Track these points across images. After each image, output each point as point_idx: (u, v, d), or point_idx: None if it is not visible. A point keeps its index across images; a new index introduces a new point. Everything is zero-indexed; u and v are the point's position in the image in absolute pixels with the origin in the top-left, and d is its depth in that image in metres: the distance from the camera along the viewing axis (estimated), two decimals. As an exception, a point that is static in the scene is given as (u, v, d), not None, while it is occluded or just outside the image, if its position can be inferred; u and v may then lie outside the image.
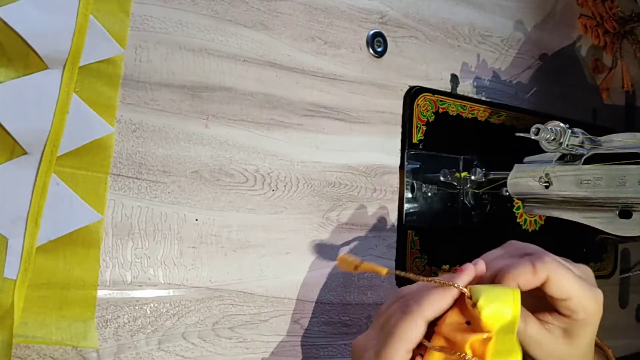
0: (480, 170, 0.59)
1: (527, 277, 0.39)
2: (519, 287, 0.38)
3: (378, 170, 0.55)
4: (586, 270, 0.42)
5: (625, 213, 0.48)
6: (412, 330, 0.37)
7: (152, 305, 0.43)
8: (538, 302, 0.41)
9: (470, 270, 0.39)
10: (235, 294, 0.46)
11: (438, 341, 0.38)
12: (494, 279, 0.40)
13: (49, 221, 0.38)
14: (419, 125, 0.57)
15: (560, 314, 0.41)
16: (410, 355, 0.37)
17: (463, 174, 0.60)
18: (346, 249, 0.53)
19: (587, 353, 0.43)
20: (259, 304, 0.47)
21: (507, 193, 0.55)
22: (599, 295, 0.40)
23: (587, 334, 0.41)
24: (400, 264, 0.56)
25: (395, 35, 0.57)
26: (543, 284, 0.39)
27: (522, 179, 0.53)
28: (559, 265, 0.39)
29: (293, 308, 0.49)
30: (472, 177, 0.60)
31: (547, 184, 0.51)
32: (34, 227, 0.38)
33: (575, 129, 0.49)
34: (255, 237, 0.48)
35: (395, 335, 0.37)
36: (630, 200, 0.47)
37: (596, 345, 0.50)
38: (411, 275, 0.40)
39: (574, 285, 0.39)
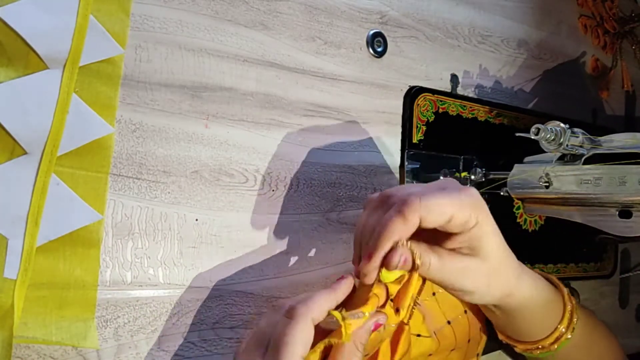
0: (480, 170, 0.59)
1: (403, 230, 0.38)
2: (401, 241, 0.38)
3: (378, 170, 0.55)
4: (449, 181, 0.42)
5: (625, 213, 0.48)
6: (305, 333, 0.36)
7: (152, 305, 0.43)
8: (432, 236, 0.41)
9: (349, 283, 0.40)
10: (235, 294, 0.46)
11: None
12: (375, 243, 0.39)
13: (49, 221, 0.38)
14: (419, 125, 0.57)
15: (453, 236, 0.40)
16: None
17: (463, 174, 0.60)
18: (346, 248, 0.53)
19: (505, 256, 0.43)
20: (259, 304, 0.47)
21: (507, 193, 0.55)
22: (472, 194, 0.40)
23: (489, 238, 0.41)
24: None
25: (395, 35, 0.57)
26: (422, 220, 0.38)
27: (522, 179, 0.53)
28: (425, 198, 0.38)
29: (293, 308, 0.49)
30: (472, 177, 0.60)
31: (547, 184, 0.51)
32: (34, 227, 0.38)
33: (575, 129, 0.49)
34: (255, 237, 0.48)
35: (288, 342, 0.35)
36: (630, 200, 0.47)
37: (549, 280, 0.51)
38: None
39: (448, 205, 0.38)
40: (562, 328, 0.49)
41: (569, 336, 0.49)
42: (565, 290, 0.50)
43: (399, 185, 0.43)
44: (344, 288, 0.40)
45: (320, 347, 0.37)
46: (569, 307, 0.49)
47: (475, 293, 0.42)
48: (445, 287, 0.42)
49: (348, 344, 0.37)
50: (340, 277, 0.41)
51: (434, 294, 0.52)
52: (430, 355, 0.51)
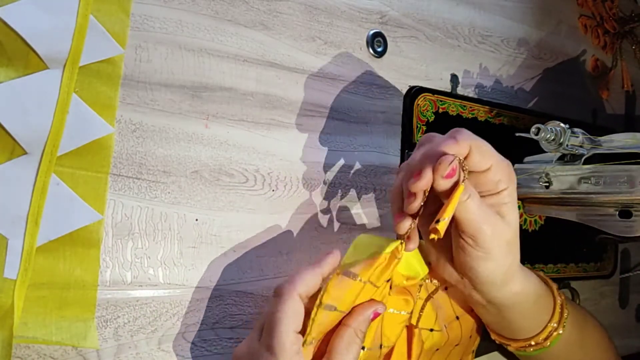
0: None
1: (453, 147, 0.39)
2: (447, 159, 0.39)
3: (378, 170, 0.55)
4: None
5: (625, 213, 0.48)
6: (294, 308, 0.37)
7: (152, 305, 0.43)
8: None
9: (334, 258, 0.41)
10: (235, 294, 0.46)
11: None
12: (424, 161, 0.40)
13: (49, 221, 0.38)
14: (419, 125, 0.57)
15: (486, 195, 0.42)
16: (299, 336, 0.37)
17: (463, 174, 0.60)
18: (346, 248, 0.53)
19: (516, 236, 0.43)
20: (259, 304, 0.47)
21: (507, 193, 0.54)
22: (510, 163, 0.43)
23: (513, 207, 0.43)
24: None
25: (395, 35, 0.57)
26: (467, 156, 0.40)
27: (522, 179, 0.53)
28: (477, 137, 0.41)
29: (293, 308, 0.49)
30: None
31: (547, 184, 0.51)
32: (34, 227, 0.38)
33: (575, 129, 0.49)
34: (255, 237, 0.48)
35: (279, 319, 0.37)
36: (630, 200, 0.47)
37: (542, 279, 0.51)
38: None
39: (493, 154, 0.41)
40: (553, 323, 0.49)
41: (561, 331, 0.49)
42: (554, 286, 0.50)
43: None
44: (330, 262, 0.41)
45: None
46: (559, 302, 0.49)
47: (492, 255, 0.42)
48: (472, 232, 0.41)
49: (348, 332, 0.38)
50: (327, 252, 0.41)
51: (446, 288, 0.52)
52: (437, 350, 0.52)
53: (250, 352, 0.39)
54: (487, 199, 0.42)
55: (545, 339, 0.49)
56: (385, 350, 0.46)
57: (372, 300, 0.41)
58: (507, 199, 0.42)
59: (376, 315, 0.40)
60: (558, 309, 0.49)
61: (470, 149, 0.40)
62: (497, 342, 0.53)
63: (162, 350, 0.43)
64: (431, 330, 0.51)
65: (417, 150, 0.43)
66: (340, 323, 0.40)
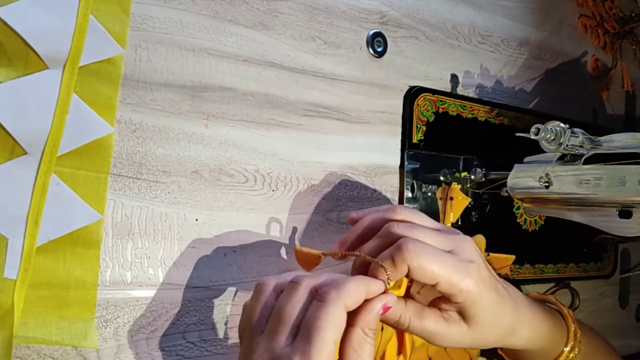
0: (480, 170, 0.59)
1: (390, 274, 0.37)
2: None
3: (378, 170, 0.55)
4: (459, 242, 0.40)
5: (625, 213, 0.48)
6: (339, 319, 0.34)
7: (152, 305, 0.43)
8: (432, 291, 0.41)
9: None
10: (235, 294, 0.46)
11: None
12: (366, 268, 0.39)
13: (49, 221, 0.38)
14: (419, 125, 0.57)
15: (445, 298, 0.39)
16: (336, 348, 0.34)
17: (463, 174, 0.60)
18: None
19: (497, 320, 0.41)
20: (259, 304, 0.47)
21: (507, 193, 0.55)
22: (470, 271, 0.38)
23: (482, 308, 0.39)
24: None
25: (395, 35, 0.57)
26: (409, 273, 0.37)
27: (522, 179, 0.53)
28: (419, 251, 0.37)
29: (293, 308, 0.49)
30: (472, 177, 0.60)
31: (547, 184, 0.51)
32: (34, 227, 0.38)
33: (575, 129, 0.49)
34: (255, 237, 0.48)
35: (322, 326, 0.33)
36: (630, 200, 0.47)
37: (547, 301, 0.51)
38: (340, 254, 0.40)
39: (436, 272, 0.37)
40: (566, 350, 0.49)
41: (573, 356, 0.49)
42: (567, 313, 0.50)
43: (405, 213, 0.41)
44: (378, 286, 0.37)
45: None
46: (572, 329, 0.49)
47: (465, 346, 0.42)
48: (432, 344, 0.42)
49: (356, 332, 0.35)
50: (379, 277, 0.37)
51: None
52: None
53: (276, 355, 0.34)
54: (448, 303, 0.40)
55: None
56: (387, 333, 0.45)
57: (381, 294, 0.37)
58: (465, 308, 0.39)
59: (386, 309, 0.37)
60: (572, 336, 0.49)
61: (409, 269, 0.37)
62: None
63: (162, 350, 0.43)
64: None
65: (373, 230, 0.41)
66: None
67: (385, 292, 0.37)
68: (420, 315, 0.40)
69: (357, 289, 0.35)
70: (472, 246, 0.40)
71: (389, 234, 0.39)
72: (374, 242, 0.40)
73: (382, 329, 0.46)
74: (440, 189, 0.56)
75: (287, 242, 0.49)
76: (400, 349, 0.50)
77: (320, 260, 0.43)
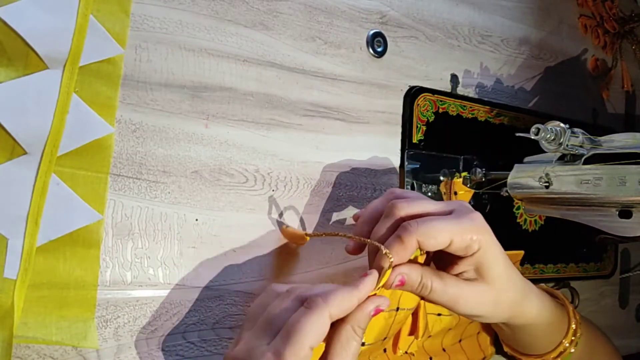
0: (480, 170, 0.59)
1: (402, 253, 0.39)
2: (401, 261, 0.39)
3: (378, 170, 0.55)
4: (458, 204, 0.42)
5: (625, 213, 0.48)
6: (320, 326, 0.35)
7: (152, 305, 0.43)
8: (442, 258, 0.43)
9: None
10: (235, 294, 0.46)
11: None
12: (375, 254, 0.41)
13: (49, 221, 0.38)
14: (419, 125, 0.57)
15: (460, 259, 0.42)
16: (311, 352, 0.34)
17: (463, 174, 0.60)
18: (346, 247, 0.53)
19: (512, 278, 0.43)
20: (259, 304, 0.47)
21: (507, 193, 0.55)
22: (474, 218, 0.41)
23: (494, 261, 0.42)
24: (400, 264, 0.56)
25: (395, 35, 0.57)
26: (420, 245, 0.39)
27: (522, 179, 0.53)
28: (422, 224, 0.39)
29: (293, 308, 0.49)
30: (472, 177, 0.60)
31: (547, 184, 0.51)
32: (34, 227, 0.38)
33: (575, 129, 0.49)
34: (255, 237, 0.48)
35: (301, 330, 0.34)
36: (630, 200, 0.47)
37: (546, 291, 0.52)
38: (329, 233, 0.43)
39: (446, 231, 0.39)
40: (566, 343, 0.50)
41: (572, 350, 0.50)
42: (571, 308, 0.52)
43: (410, 197, 0.43)
44: (368, 286, 0.37)
45: None
46: (573, 323, 0.51)
47: (482, 317, 0.44)
48: (450, 310, 0.43)
49: (345, 328, 0.36)
50: (364, 274, 0.38)
51: None
52: (449, 329, 0.53)
53: (251, 353, 0.35)
54: (464, 261, 0.42)
55: (557, 356, 0.50)
56: (402, 313, 0.46)
57: (374, 295, 0.38)
58: (482, 258, 0.41)
59: (378, 311, 0.38)
60: (572, 330, 0.50)
61: (419, 242, 0.39)
62: (509, 354, 0.55)
63: (162, 350, 0.43)
64: (439, 315, 0.51)
65: (378, 214, 0.43)
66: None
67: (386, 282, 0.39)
68: (441, 279, 0.42)
69: (345, 299, 0.36)
70: (468, 205, 0.43)
71: (392, 212, 0.42)
72: (382, 223, 0.42)
73: (398, 309, 0.46)
74: (442, 183, 0.57)
75: (287, 242, 0.49)
76: (413, 331, 0.51)
77: (304, 240, 0.46)
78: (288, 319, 0.35)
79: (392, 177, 0.56)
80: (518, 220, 0.66)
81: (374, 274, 0.38)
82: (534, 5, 0.71)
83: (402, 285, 0.40)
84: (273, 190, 0.49)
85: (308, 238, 0.46)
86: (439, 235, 0.39)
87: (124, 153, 0.42)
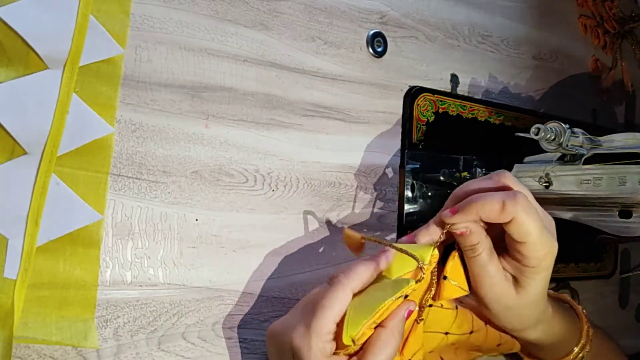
0: (480, 170, 0.59)
1: (493, 212, 0.40)
2: (481, 219, 0.41)
3: (378, 170, 0.55)
4: (551, 222, 0.44)
5: (625, 213, 0.48)
6: (340, 299, 0.38)
7: (152, 305, 0.43)
8: (497, 243, 0.43)
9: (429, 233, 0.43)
10: (235, 294, 0.46)
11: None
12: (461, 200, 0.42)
13: (49, 221, 0.38)
14: (419, 125, 0.57)
15: (513, 258, 0.42)
16: (335, 328, 0.38)
17: (463, 174, 0.60)
18: (346, 248, 0.52)
19: (536, 303, 0.44)
20: (259, 304, 0.47)
21: (507, 193, 0.54)
22: (554, 246, 0.42)
23: (536, 283, 0.43)
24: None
25: (395, 35, 0.57)
26: (506, 222, 0.40)
27: (522, 179, 0.53)
28: (527, 208, 0.40)
29: (293, 308, 0.49)
30: (472, 177, 0.60)
31: (547, 184, 0.51)
32: (34, 227, 0.38)
33: (575, 129, 0.49)
34: (255, 237, 0.48)
35: (325, 305, 0.38)
36: (630, 200, 0.47)
37: (565, 301, 0.53)
38: (380, 241, 0.42)
39: (535, 231, 0.40)
40: (576, 350, 0.51)
41: (582, 355, 0.51)
42: (585, 324, 0.52)
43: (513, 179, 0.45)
44: (385, 260, 0.41)
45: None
46: (585, 328, 0.51)
47: (491, 311, 0.45)
48: (474, 287, 0.44)
49: (384, 332, 0.39)
50: (383, 250, 0.42)
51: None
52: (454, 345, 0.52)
53: (288, 325, 0.40)
54: (511, 261, 0.43)
55: None
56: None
57: (405, 300, 0.41)
58: (534, 274, 0.42)
59: (409, 312, 0.40)
60: (583, 340, 0.51)
61: (512, 220, 0.40)
62: (519, 355, 0.55)
63: (162, 350, 0.43)
64: (446, 333, 0.51)
65: (483, 184, 0.43)
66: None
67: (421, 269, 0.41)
68: (491, 256, 0.42)
69: (364, 272, 0.40)
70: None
71: (499, 180, 0.42)
72: (483, 181, 0.43)
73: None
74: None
75: (287, 242, 0.49)
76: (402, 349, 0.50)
77: (362, 245, 0.45)
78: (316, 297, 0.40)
79: (392, 177, 0.56)
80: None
81: (391, 251, 0.41)
82: (534, 5, 0.71)
83: (462, 235, 0.41)
84: (273, 190, 0.49)
85: (364, 242, 0.45)
86: (528, 229, 0.40)
87: (124, 153, 0.42)
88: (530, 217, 0.40)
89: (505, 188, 0.42)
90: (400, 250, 0.40)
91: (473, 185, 0.43)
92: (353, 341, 0.38)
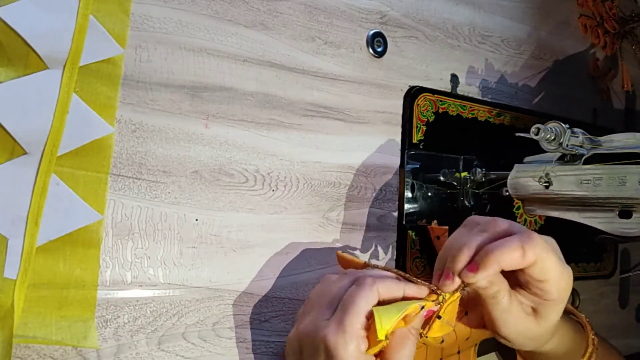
0: (480, 170, 0.59)
1: (515, 259, 0.39)
2: (502, 267, 0.40)
3: (378, 170, 0.55)
4: (554, 243, 0.43)
5: (625, 213, 0.48)
6: (371, 299, 0.39)
7: (152, 305, 0.43)
8: (510, 277, 0.43)
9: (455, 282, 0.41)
10: (235, 294, 0.46)
11: None
12: (473, 256, 0.41)
13: (49, 221, 0.38)
14: (419, 125, 0.57)
15: (532, 294, 0.43)
16: (365, 322, 0.38)
17: (463, 174, 0.60)
18: (346, 249, 0.53)
19: (554, 326, 0.45)
20: (259, 304, 0.47)
21: (507, 193, 0.55)
22: (571, 275, 0.42)
23: (555, 313, 0.43)
24: (400, 263, 0.56)
25: (395, 35, 0.57)
26: (528, 267, 0.40)
27: (522, 179, 0.53)
28: (546, 248, 0.40)
29: (293, 308, 0.49)
30: (472, 177, 0.60)
31: (547, 184, 0.51)
32: (34, 227, 0.38)
33: (575, 129, 0.49)
34: (255, 237, 0.48)
35: (356, 302, 0.38)
36: (630, 200, 0.47)
37: (569, 312, 0.53)
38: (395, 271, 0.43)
39: (556, 269, 0.41)
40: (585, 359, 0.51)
41: None
42: (591, 333, 0.52)
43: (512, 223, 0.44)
44: (414, 291, 0.41)
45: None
46: (590, 340, 0.51)
47: (512, 342, 0.45)
48: (491, 326, 0.44)
49: (403, 329, 0.40)
50: (419, 283, 0.42)
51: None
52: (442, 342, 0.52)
53: (317, 324, 0.40)
54: (529, 295, 0.43)
55: None
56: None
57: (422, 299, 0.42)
58: (554, 307, 0.42)
59: (430, 313, 0.41)
60: (588, 354, 0.51)
61: (536, 260, 0.40)
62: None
63: (162, 350, 0.43)
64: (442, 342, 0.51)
65: (472, 234, 0.42)
66: None
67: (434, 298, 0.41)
68: (511, 298, 0.43)
69: (393, 287, 0.40)
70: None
71: (496, 229, 0.42)
72: (479, 235, 0.42)
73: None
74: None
75: (287, 242, 0.49)
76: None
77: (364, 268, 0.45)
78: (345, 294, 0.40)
79: (392, 177, 0.56)
80: (518, 220, 0.66)
81: (424, 289, 0.41)
82: (534, 5, 0.71)
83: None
84: (273, 190, 0.49)
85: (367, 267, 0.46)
86: (548, 270, 0.40)
87: (124, 153, 0.42)
88: (549, 255, 0.40)
89: (505, 233, 0.41)
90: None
91: (469, 242, 0.41)
92: (386, 336, 0.38)
